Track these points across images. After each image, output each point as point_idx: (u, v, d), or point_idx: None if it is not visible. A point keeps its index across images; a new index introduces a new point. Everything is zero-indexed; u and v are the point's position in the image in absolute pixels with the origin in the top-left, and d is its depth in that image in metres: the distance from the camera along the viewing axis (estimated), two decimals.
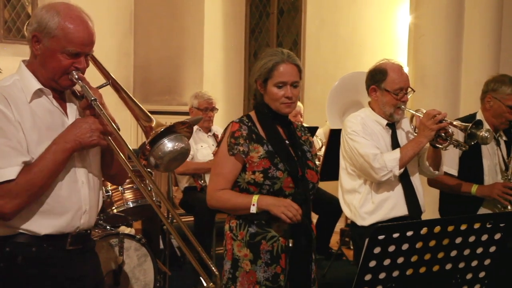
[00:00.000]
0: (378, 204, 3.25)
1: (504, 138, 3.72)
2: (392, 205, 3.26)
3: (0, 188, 2.03)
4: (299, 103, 5.74)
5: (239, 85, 8.15)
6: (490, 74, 3.86)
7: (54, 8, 2.13)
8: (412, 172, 3.34)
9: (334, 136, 4.85)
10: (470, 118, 3.50)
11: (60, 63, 2.12)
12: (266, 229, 2.64)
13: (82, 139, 2.11)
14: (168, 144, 2.16)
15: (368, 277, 1.98)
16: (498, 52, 5.27)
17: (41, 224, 2.14)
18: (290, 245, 2.60)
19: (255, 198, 2.59)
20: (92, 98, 2.11)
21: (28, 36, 2.16)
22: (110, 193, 4.01)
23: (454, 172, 3.60)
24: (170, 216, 4.48)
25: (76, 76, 2.14)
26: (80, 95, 2.21)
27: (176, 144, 2.18)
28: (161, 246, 5.19)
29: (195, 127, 5.01)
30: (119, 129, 2.14)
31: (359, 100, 5.51)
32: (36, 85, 2.15)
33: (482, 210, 3.60)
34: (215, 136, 5.30)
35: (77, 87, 2.20)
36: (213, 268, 2.04)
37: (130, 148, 2.14)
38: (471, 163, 3.61)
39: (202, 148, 5.11)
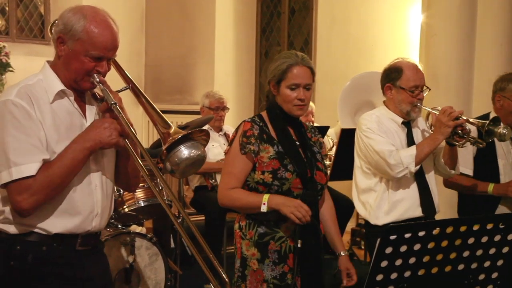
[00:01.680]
0: (393, 204, 3.24)
1: None
2: (407, 206, 3.24)
3: (19, 184, 2.05)
4: (311, 103, 5.73)
5: (250, 84, 8.15)
6: (503, 73, 3.83)
7: (81, 11, 2.16)
8: (427, 172, 3.32)
9: (345, 136, 4.84)
10: (484, 118, 3.49)
11: (83, 65, 2.15)
12: (275, 229, 2.65)
13: (102, 138, 2.13)
14: (185, 151, 2.19)
15: (379, 277, 1.98)
16: (511, 51, 5.24)
17: (53, 223, 2.15)
18: (299, 245, 2.60)
19: (265, 197, 2.60)
20: (112, 102, 2.15)
21: (53, 36, 2.20)
22: (122, 192, 4.02)
23: (470, 172, 3.59)
24: (180, 216, 4.48)
25: (98, 79, 2.17)
26: (100, 98, 2.24)
27: (193, 151, 2.21)
28: (172, 245, 5.20)
29: (206, 126, 5.02)
30: (136, 133, 2.17)
31: (371, 100, 5.49)
32: (59, 86, 2.17)
33: (501, 208, 3.58)
34: (226, 135, 5.31)
35: (97, 90, 2.23)
36: (224, 275, 2.03)
37: (144, 149, 2.16)
38: (486, 163, 3.60)
39: (213, 147, 5.11)
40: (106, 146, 2.18)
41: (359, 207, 3.40)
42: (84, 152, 2.12)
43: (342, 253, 2.85)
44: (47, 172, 2.07)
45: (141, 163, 2.17)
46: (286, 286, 2.64)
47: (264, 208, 2.58)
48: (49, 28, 2.26)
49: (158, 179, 3.70)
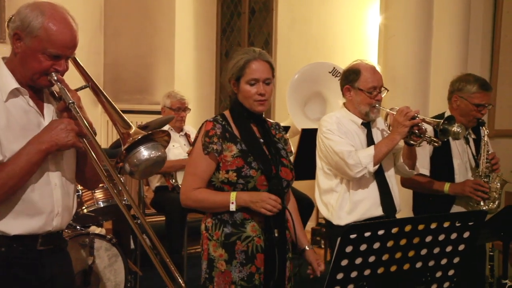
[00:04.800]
0: (355, 204, 3.28)
1: (473, 136, 3.79)
2: (368, 205, 3.29)
3: None
4: None
5: (210, 84, 8.13)
6: (458, 74, 3.91)
7: (39, 7, 2.10)
8: (387, 171, 3.37)
9: (306, 136, 4.88)
10: (439, 117, 3.56)
11: (40, 63, 2.09)
12: (241, 229, 2.64)
13: (58, 140, 2.09)
14: (144, 152, 2.15)
15: (340, 276, 2.00)
16: (465, 52, 5.35)
17: (12, 225, 2.11)
18: (276, 235, 2.60)
19: (233, 195, 2.59)
20: (70, 101, 2.10)
21: (9, 32, 2.13)
22: (80, 193, 3.96)
23: (426, 172, 3.65)
24: (138, 219, 4.44)
25: (55, 78, 2.11)
26: (58, 97, 2.19)
27: (153, 152, 2.17)
28: (132, 246, 5.15)
29: (167, 127, 4.99)
30: (95, 134, 2.13)
31: (319, 91, 5.55)
32: (13, 84, 2.12)
33: (455, 208, 3.65)
34: (186, 135, 5.29)
35: (56, 89, 2.17)
36: (180, 280, 1.98)
37: (103, 151, 2.12)
38: (441, 163, 3.66)
39: (173, 148, 5.08)
40: (63, 148, 2.13)
41: (321, 208, 3.43)
42: (39, 154, 2.07)
43: (307, 248, 2.83)
44: (0, 174, 2.03)
45: (99, 164, 2.12)
46: (254, 287, 2.63)
47: (233, 207, 2.57)
48: (6, 24, 2.21)
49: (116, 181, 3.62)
